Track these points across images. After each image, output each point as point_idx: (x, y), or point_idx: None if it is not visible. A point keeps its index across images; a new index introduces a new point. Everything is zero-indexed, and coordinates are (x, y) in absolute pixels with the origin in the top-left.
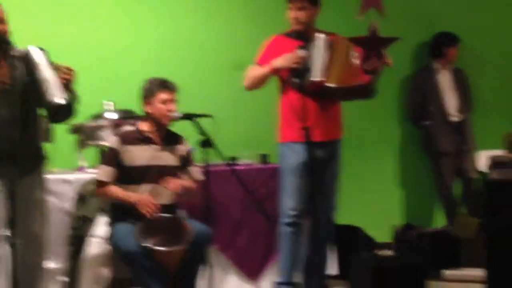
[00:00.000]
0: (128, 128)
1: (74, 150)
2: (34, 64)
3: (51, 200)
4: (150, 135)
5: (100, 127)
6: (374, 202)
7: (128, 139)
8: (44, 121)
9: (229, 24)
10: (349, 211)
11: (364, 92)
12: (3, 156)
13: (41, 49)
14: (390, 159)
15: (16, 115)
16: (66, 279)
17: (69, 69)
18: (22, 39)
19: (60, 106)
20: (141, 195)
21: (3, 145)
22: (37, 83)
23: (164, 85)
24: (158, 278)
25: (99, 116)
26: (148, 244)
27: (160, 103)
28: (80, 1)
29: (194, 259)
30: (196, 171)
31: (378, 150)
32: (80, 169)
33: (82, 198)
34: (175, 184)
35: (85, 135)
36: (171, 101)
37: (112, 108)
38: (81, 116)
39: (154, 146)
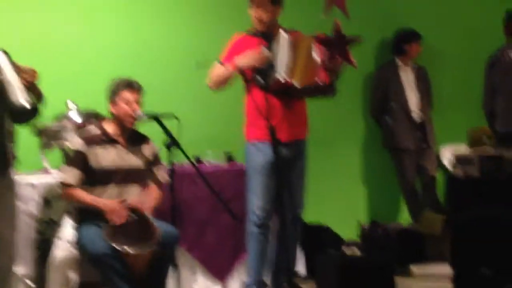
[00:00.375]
0: (92, 129)
1: (37, 152)
2: None
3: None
4: (115, 136)
5: (64, 128)
6: (340, 199)
7: (93, 141)
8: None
9: (193, 23)
10: (316, 209)
11: (326, 90)
12: None
13: (4, 51)
14: (355, 156)
15: None
16: (32, 284)
17: (32, 71)
18: None
19: (23, 108)
20: (110, 203)
21: None
22: (1, 85)
23: (128, 84)
24: (127, 280)
25: (62, 117)
26: (117, 246)
27: (123, 103)
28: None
29: (163, 260)
30: (162, 172)
31: (343, 147)
32: (44, 171)
33: (47, 201)
34: (145, 207)
35: (49, 136)
36: (135, 101)
37: (76, 108)
38: (44, 117)
39: (119, 147)
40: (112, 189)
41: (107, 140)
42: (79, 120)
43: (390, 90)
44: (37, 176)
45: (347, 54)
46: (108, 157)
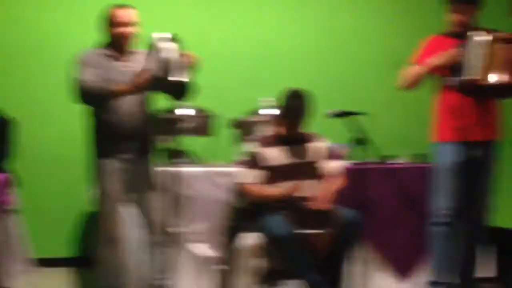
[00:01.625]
0: (265, 132)
1: (232, 144)
2: (158, 49)
3: (210, 191)
4: (285, 137)
5: (257, 123)
6: None
7: (266, 142)
8: (203, 116)
9: (387, 23)
10: (510, 212)
11: None
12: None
13: (173, 36)
14: None
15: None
16: (223, 267)
17: (193, 56)
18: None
19: (180, 83)
20: (286, 188)
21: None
22: (161, 64)
23: (299, 109)
24: (308, 262)
25: (256, 112)
26: (298, 228)
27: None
28: (238, 5)
29: (343, 243)
30: (336, 166)
31: None
32: (238, 162)
33: (239, 191)
34: (323, 202)
35: (243, 130)
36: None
37: (268, 104)
38: (239, 111)
39: (291, 146)
40: (287, 185)
41: (279, 140)
42: (272, 114)
43: None
44: (232, 167)
45: None
46: (281, 155)
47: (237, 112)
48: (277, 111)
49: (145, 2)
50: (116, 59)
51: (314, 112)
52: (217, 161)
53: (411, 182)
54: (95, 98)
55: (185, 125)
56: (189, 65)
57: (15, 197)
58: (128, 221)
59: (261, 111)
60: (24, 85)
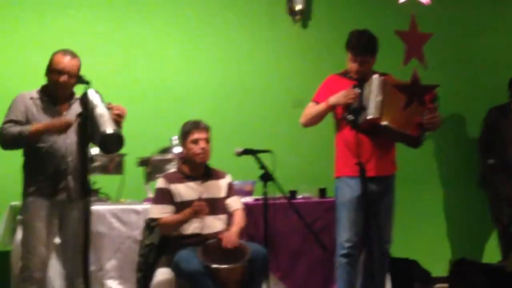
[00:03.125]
0: (170, 170)
1: (142, 182)
2: (91, 104)
3: (121, 228)
4: (191, 173)
5: (167, 161)
6: (429, 235)
7: (173, 179)
8: (117, 155)
9: (289, 65)
10: (405, 244)
11: (412, 141)
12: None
13: (97, 91)
14: (446, 192)
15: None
16: None
17: (120, 108)
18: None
19: (111, 135)
20: (192, 206)
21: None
22: (93, 118)
23: (195, 125)
24: None
25: (166, 150)
26: (209, 263)
27: (191, 143)
28: (151, 45)
29: (254, 277)
30: (237, 201)
31: (433, 183)
32: (148, 200)
33: (150, 227)
34: (230, 240)
35: (153, 168)
36: (203, 140)
37: (177, 142)
38: (149, 150)
39: (197, 182)
40: (198, 220)
41: (185, 177)
42: (179, 154)
43: (499, 134)
44: (141, 204)
45: (425, 101)
46: (189, 191)
47: (148, 150)
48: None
49: None
50: (50, 106)
51: (222, 150)
52: (127, 199)
53: (315, 215)
54: (14, 142)
55: (96, 164)
56: (118, 117)
57: None
58: (50, 265)
59: (174, 150)
60: None
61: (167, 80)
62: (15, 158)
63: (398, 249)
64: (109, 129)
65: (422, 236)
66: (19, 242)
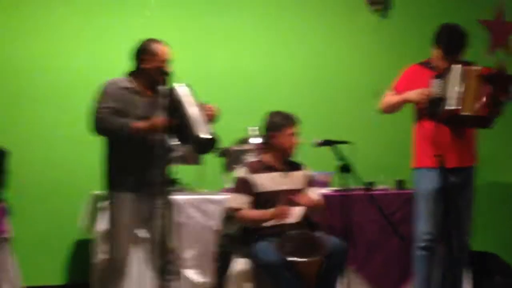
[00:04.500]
0: (252, 159)
1: (221, 172)
2: (180, 101)
3: (199, 218)
4: (273, 164)
5: (245, 151)
6: (510, 227)
7: (255, 169)
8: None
9: (368, 55)
10: (485, 237)
11: (484, 123)
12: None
13: (188, 85)
14: None
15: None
16: None
17: (213, 109)
18: (179, 67)
19: (206, 140)
20: (276, 209)
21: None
22: (183, 118)
23: (289, 119)
24: None
25: (244, 141)
26: (287, 255)
27: (287, 136)
28: (229, 36)
29: (331, 270)
30: (316, 193)
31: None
32: (226, 190)
33: (228, 218)
34: (305, 198)
35: (231, 158)
36: (296, 134)
37: (256, 133)
38: (228, 141)
39: (278, 173)
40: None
41: (267, 167)
42: (258, 143)
43: None
44: (220, 194)
45: (509, 91)
46: (269, 182)
47: (226, 141)
48: (263, 139)
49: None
50: (141, 94)
51: (301, 141)
52: (205, 189)
53: (393, 207)
54: (112, 133)
55: (175, 154)
56: (210, 118)
57: (9, 226)
58: (137, 259)
59: (250, 140)
60: (14, 114)
61: (245, 71)
62: (95, 147)
63: (479, 242)
64: (203, 133)
65: (503, 228)
66: (100, 231)
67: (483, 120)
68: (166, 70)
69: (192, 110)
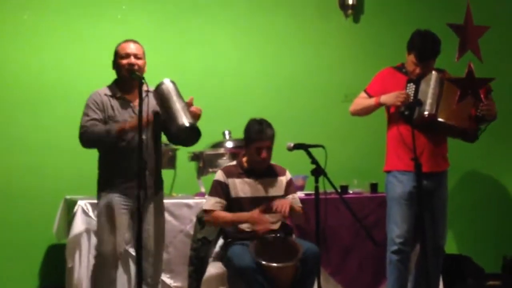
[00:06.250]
0: (231, 163)
1: (194, 176)
2: (167, 95)
3: (173, 222)
4: (251, 169)
5: (219, 155)
6: (482, 231)
7: (232, 173)
8: (170, 149)
9: (340, 59)
10: (457, 240)
11: (468, 136)
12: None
13: (172, 81)
14: (499, 186)
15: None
16: None
17: (197, 109)
18: (152, 70)
19: (188, 128)
20: (252, 213)
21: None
22: (169, 110)
23: (259, 135)
24: None
25: (218, 145)
26: (261, 260)
27: (254, 150)
28: (202, 38)
29: (305, 275)
30: (295, 199)
31: (486, 177)
32: (200, 194)
33: (201, 221)
34: (283, 204)
35: (205, 162)
36: (265, 148)
37: (230, 137)
38: (201, 145)
39: (255, 179)
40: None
41: (244, 172)
42: (232, 147)
43: None
44: (193, 198)
45: (479, 95)
46: (245, 188)
47: (199, 144)
48: (240, 143)
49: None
50: (124, 100)
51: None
52: (179, 193)
53: (366, 210)
54: (99, 142)
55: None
56: (194, 115)
57: None
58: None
59: (226, 144)
60: None
61: (218, 75)
62: (68, 151)
63: (451, 245)
64: (188, 121)
65: (475, 232)
66: (74, 235)
67: (463, 133)
68: (129, 64)
69: (177, 101)
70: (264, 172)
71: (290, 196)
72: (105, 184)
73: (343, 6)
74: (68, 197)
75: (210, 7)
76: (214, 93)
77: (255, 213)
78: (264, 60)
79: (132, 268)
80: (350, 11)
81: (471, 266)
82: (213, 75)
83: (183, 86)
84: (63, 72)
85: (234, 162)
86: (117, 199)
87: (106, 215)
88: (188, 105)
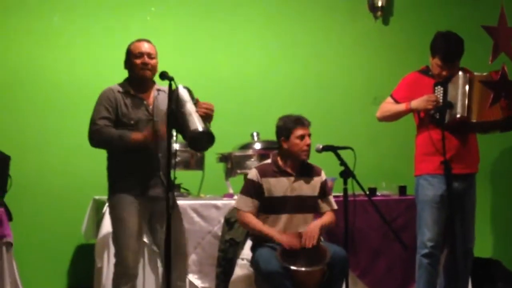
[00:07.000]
0: (265, 161)
1: (222, 177)
2: (181, 101)
3: (201, 223)
4: (287, 168)
5: (247, 157)
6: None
7: (266, 172)
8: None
9: (369, 61)
10: (489, 244)
11: (502, 125)
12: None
13: (186, 87)
14: None
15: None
16: None
17: (207, 105)
18: (181, 72)
19: (200, 133)
20: (285, 236)
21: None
22: (183, 116)
23: (299, 121)
24: None
25: (246, 146)
26: (287, 264)
27: (297, 139)
28: (231, 41)
29: (333, 280)
30: (330, 202)
31: None
32: (228, 195)
33: (230, 223)
34: (311, 237)
35: (233, 163)
36: (307, 135)
37: (259, 138)
38: (230, 146)
39: (291, 178)
40: (284, 217)
41: (279, 171)
42: (260, 148)
43: None
44: (221, 199)
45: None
46: (280, 187)
47: (228, 146)
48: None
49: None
50: (138, 98)
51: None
52: (207, 194)
53: (395, 213)
54: (109, 145)
55: (177, 159)
56: (207, 115)
57: (9, 231)
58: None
59: (254, 145)
60: (16, 119)
61: (248, 77)
62: (97, 151)
63: (481, 249)
64: (199, 127)
65: (506, 235)
66: (103, 236)
67: (497, 125)
68: (143, 64)
69: (189, 107)
70: (300, 171)
71: (325, 200)
72: (117, 184)
73: (373, 8)
74: (97, 197)
75: (239, 10)
76: (243, 95)
77: (284, 239)
78: (292, 63)
79: (160, 268)
80: (379, 13)
81: (501, 270)
82: (242, 78)
83: (211, 88)
84: (92, 73)
85: (269, 161)
86: (131, 200)
87: (123, 217)
88: (199, 105)
